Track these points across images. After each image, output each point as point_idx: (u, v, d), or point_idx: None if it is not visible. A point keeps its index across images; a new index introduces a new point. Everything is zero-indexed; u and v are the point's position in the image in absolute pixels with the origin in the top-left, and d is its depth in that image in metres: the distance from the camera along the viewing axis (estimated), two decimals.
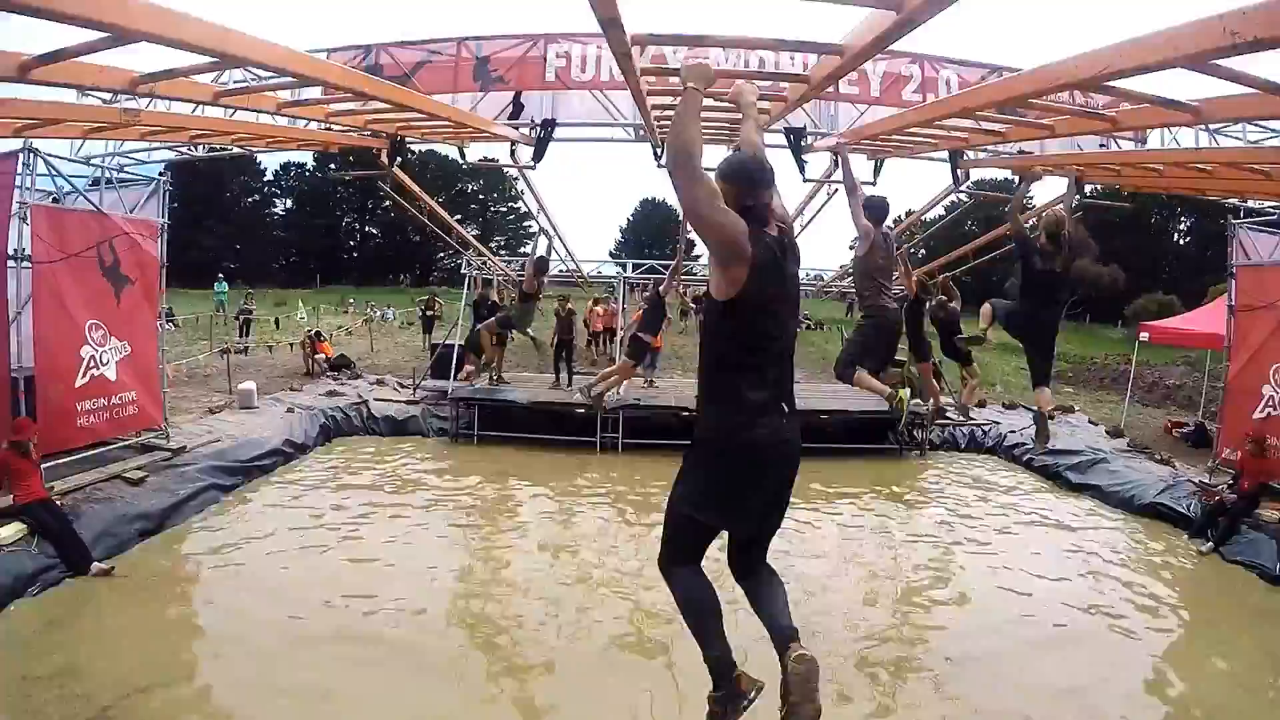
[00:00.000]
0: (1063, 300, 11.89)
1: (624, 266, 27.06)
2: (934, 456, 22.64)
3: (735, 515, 5.41)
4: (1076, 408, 28.01)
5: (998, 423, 24.21)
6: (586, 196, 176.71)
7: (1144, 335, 26.17)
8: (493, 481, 17.89)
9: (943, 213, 29.89)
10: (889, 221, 11.73)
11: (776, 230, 5.28)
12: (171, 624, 10.66)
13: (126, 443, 16.22)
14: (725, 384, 5.25)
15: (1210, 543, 15.40)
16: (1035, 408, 13.24)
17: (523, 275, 21.62)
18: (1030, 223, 12.78)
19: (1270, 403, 17.29)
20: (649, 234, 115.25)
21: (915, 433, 23.18)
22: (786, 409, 5.37)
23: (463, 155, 17.18)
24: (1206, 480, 18.15)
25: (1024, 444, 22.51)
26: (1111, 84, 6.86)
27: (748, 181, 5.21)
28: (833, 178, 15.94)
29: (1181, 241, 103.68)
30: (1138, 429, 24.82)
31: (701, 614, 5.44)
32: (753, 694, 5.27)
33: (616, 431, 21.15)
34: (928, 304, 17.89)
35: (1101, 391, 35.46)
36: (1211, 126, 13.50)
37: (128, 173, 16.66)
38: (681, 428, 19.69)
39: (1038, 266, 11.50)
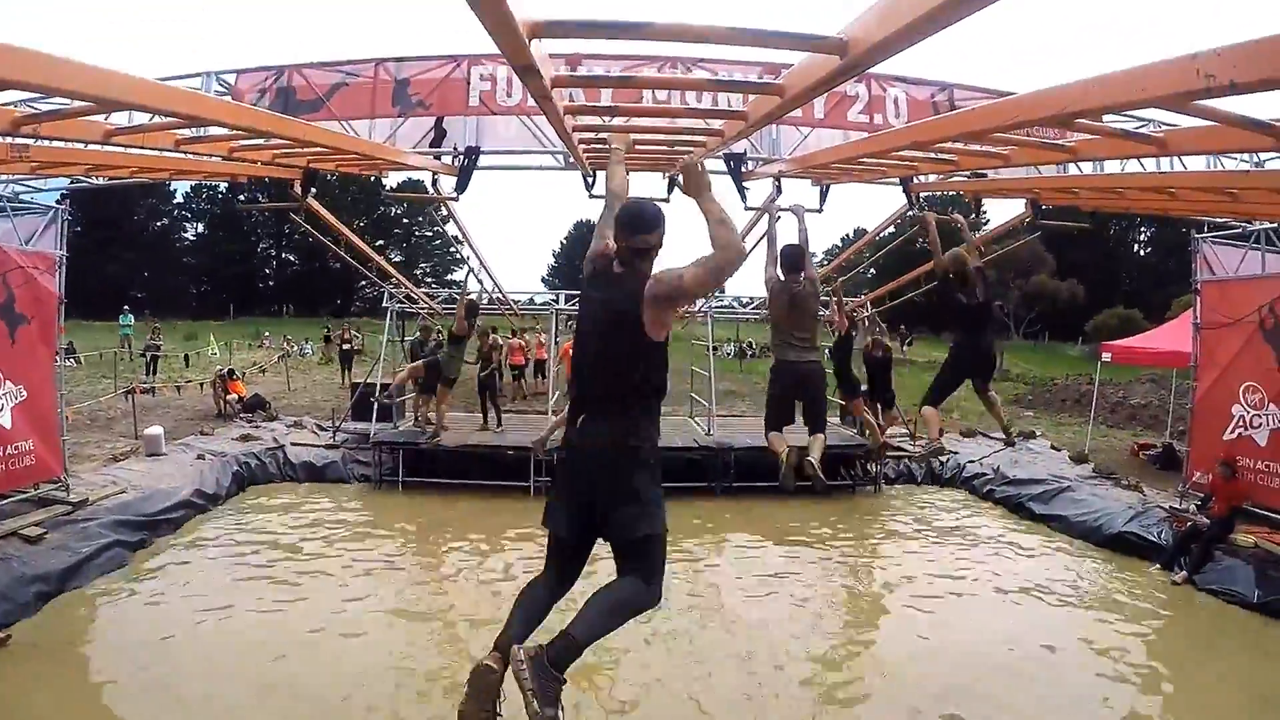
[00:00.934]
0: (992, 327, 12.91)
1: (557, 297, 26.64)
2: (890, 491, 22.67)
3: (555, 519, 6.16)
4: (1038, 432, 28.15)
5: (955, 453, 24.19)
6: (517, 221, 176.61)
7: (1106, 355, 26.23)
8: (412, 540, 17.46)
9: (895, 229, 29.89)
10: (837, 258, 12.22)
11: (627, 273, 6.02)
12: (76, 699, 10.21)
13: (23, 496, 15.77)
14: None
15: (1183, 571, 15.44)
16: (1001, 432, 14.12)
17: (450, 309, 21.42)
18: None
19: (1241, 422, 17.23)
20: (584, 260, 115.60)
21: (869, 468, 23.19)
22: (590, 417, 6.05)
23: (381, 185, 16.99)
24: (1177, 505, 18.21)
25: (984, 475, 22.59)
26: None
27: (620, 228, 6.07)
28: (778, 203, 15.86)
29: (1142, 252, 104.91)
30: (1103, 453, 25.00)
31: (520, 601, 6.07)
32: (480, 664, 5.60)
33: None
34: (854, 339, 18.64)
35: (1063, 414, 35.72)
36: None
37: (22, 201, 16.23)
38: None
39: (962, 302, 12.33)
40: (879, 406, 21.11)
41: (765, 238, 12.12)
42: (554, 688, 5.40)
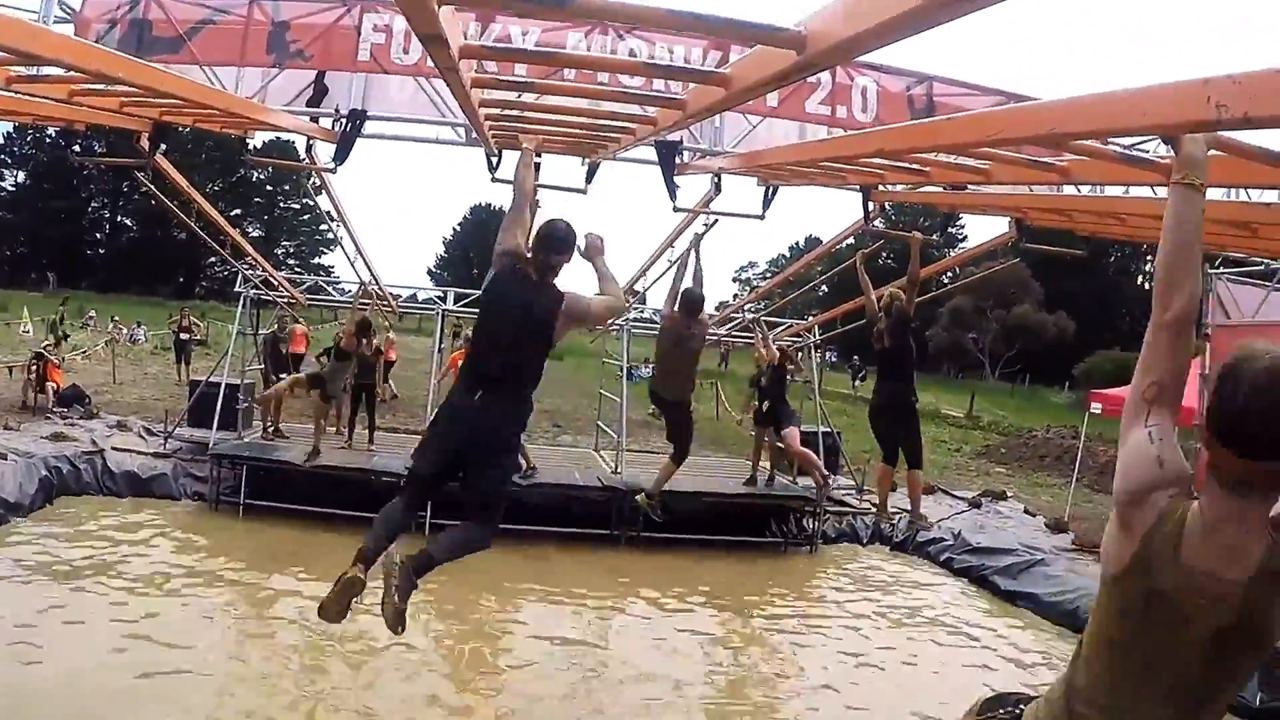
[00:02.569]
0: (908, 374, 14.22)
1: (444, 295, 26.57)
2: (827, 552, 22.70)
3: (427, 461, 8.50)
4: (1010, 493, 28.38)
5: (909, 511, 24.37)
6: (404, 201, 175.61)
7: (1095, 407, 26.34)
8: (246, 582, 16.90)
9: (854, 241, 30.11)
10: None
11: (548, 283, 8.38)
12: None
13: None
14: (462, 371, 8.62)
15: None
16: (907, 508, 16.17)
17: (316, 301, 21.26)
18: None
19: None
20: (480, 250, 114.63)
21: (806, 523, 23.28)
22: (487, 393, 8.20)
23: (244, 146, 16.81)
24: None
25: (942, 539, 22.60)
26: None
27: (540, 245, 8.43)
28: (712, 205, 15.96)
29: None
30: (1086, 521, 24.95)
31: (380, 519, 8.35)
32: (349, 573, 7.93)
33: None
34: (790, 372, 21.09)
35: (1041, 473, 35.91)
36: None
37: None
38: (510, 505, 19.30)
39: (880, 345, 14.08)
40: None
41: (676, 274, 14.74)
42: (409, 588, 8.02)
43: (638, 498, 17.98)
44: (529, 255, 8.50)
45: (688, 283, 15.01)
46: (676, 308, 14.48)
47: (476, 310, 9.27)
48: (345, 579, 7.91)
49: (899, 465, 15.24)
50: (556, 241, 8.42)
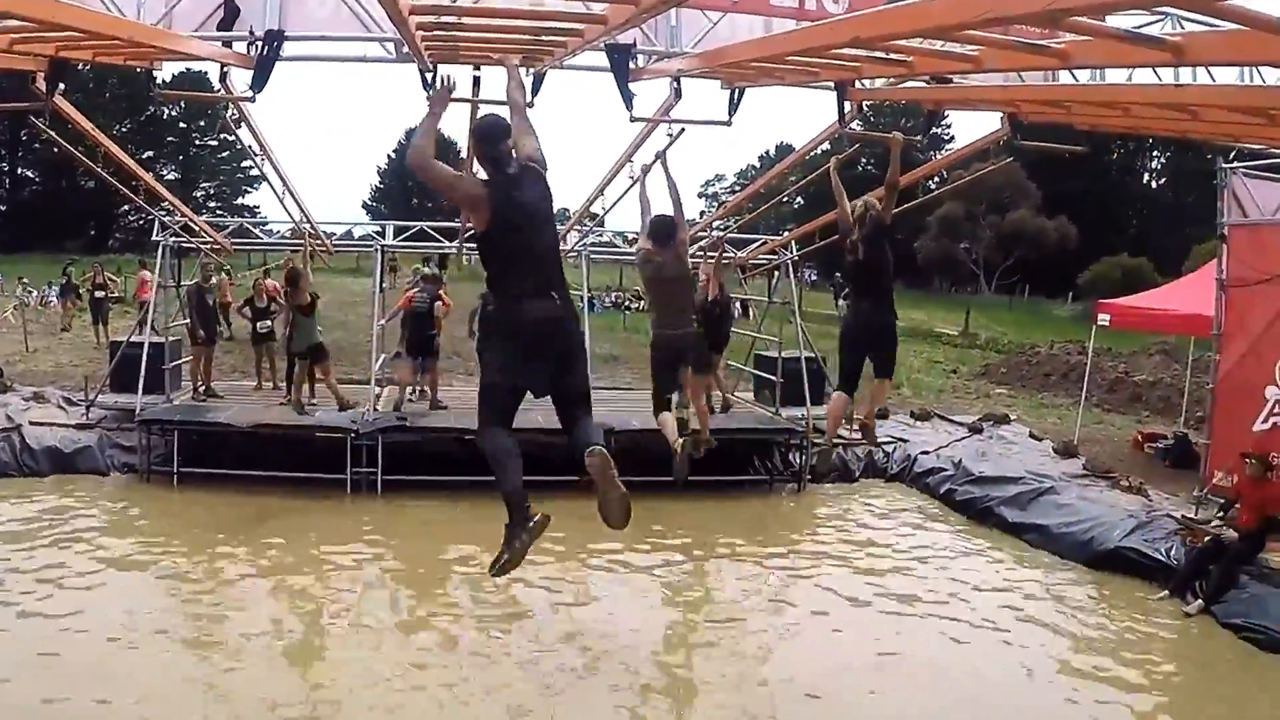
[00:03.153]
0: (886, 290, 13.62)
1: (382, 230, 26.14)
2: (818, 489, 22.71)
3: (511, 373, 8.88)
4: (1013, 416, 28.39)
5: (904, 440, 24.55)
6: (332, 129, 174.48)
7: (1103, 318, 25.76)
8: (188, 553, 16.76)
9: (830, 146, 29.78)
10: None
11: (516, 168, 8.86)
12: None
13: None
14: (496, 285, 8.97)
15: (1198, 600, 15.35)
16: (859, 418, 15.33)
17: (242, 245, 21.08)
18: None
19: (1277, 408, 17.37)
20: (419, 181, 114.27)
21: (792, 458, 23.41)
22: (553, 295, 8.78)
23: (152, 80, 16.47)
24: (1192, 515, 18.13)
25: (942, 470, 22.69)
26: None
27: (481, 140, 9.10)
28: (673, 113, 15.77)
29: (1154, 184, 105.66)
30: (1097, 444, 25.26)
31: (499, 460, 8.79)
32: (538, 516, 8.66)
33: (374, 465, 20.73)
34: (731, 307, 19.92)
35: (1046, 393, 36.00)
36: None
37: None
38: (466, 458, 18.91)
39: (853, 258, 13.56)
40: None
41: (641, 199, 14.59)
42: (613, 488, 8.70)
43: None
44: (483, 164, 9.07)
45: (662, 203, 14.92)
46: (649, 239, 14.23)
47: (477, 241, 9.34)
48: (537, 523, 8.68)
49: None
50: (491, 131, 9.06)
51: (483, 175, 9.16)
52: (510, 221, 8.80)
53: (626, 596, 16.14)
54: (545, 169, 9.09)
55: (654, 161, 14.92)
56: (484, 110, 12.62)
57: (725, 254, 23.48)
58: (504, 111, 9.67)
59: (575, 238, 25.51)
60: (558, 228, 9.78)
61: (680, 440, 14.29)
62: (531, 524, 8.68)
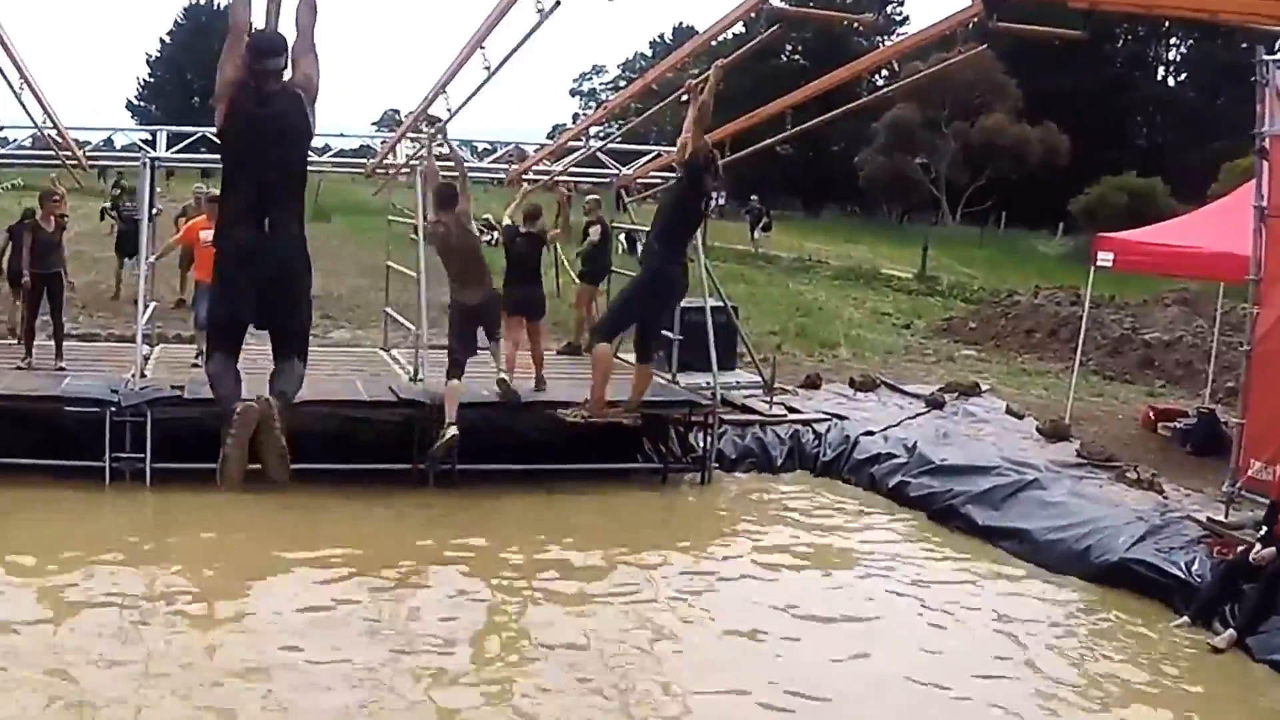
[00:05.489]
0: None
1: (153, 136, 25.37)
2: (728, 482, 22.66)
3: (225, 303, 10.77)
4: (984, 385, 28.48)
5: (841, 418, 24.72)
6: (87, 6, 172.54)
7: (1104, 258, 25.38)
8: None
9: (744, 30, 29.76)
10: None
11: (276, 87, 10.22)
12: None
13: None
14: (220, 202, 11.37)
15: (1230, 630, 15.16)
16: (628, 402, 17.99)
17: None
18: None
19: None
20: (201, 68, 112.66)
21: (694, 440, 23.27)
22: (267, 226, 10.26)
23: None
24: (1220, 518, 18.15)
25: (892, 456, 22.46)
26: None
27: (251, 51, 10.16)
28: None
29: (1171, 81, 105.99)
30: (1095, 424, 25.42)
31: (217, 380, 10.68)
32: (239, 408, 10.16)
33: (140, 449, 20.35)
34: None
35: (1028, 354, 36.13)
36: None
37: None
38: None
39: (703, 189, 15.63)
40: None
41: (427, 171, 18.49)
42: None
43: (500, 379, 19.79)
44: (249, 76, 10.23)
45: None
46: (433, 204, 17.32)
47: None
48: (239, 414, 10.04)
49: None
50: (262, 45, 10.30)
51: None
52: (241, 134, 10.44)
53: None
54: (310, 99, 10.47)
55: (438, 130, 16.20)
56: None
57: (583, 181, 23.87)
58: None
59: (409, 149, 25.31)
60: (304, 165, 11.15)
61: (450, 426, 18.40)
62: (235, 416, 10.12)
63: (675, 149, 14.71)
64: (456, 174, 18.41)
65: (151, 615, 15.41)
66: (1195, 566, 16.67)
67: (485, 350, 20.68)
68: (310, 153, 12.03)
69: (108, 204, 41.37)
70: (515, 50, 15.36)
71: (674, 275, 15.74)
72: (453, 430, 19.27)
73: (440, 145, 20.06)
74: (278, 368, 10.91)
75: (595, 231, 27.47)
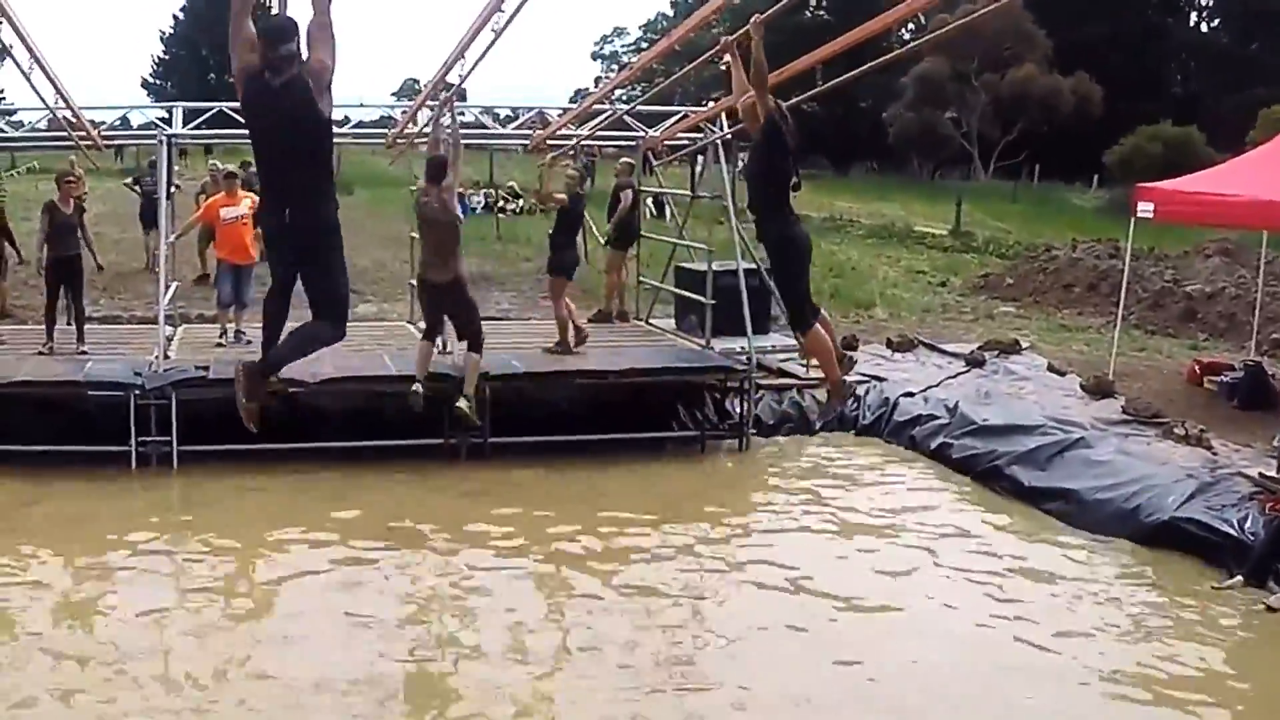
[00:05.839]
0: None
1: (169, 114, 24.86)
2: (768, 446, 22.56)
3: (276, 262, 12.04)
4: (1025, 343, 28.26)
5: (880, 380, 24.62)
6: None
7: (1145, 208, 24.91)
8: None
9: None
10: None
11: (288, 77, 10.57)
12: None
13: None
14: (260, 182, 12.35)
15: None
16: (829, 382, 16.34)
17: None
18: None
19: None
20: (214, 44, 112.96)
21: (731, 405, 23.17)
22: (286, 211, 11.13)
23: None
24: (1271, 474, 18.01)
25: (933, 417, 22.38)
26: None
27: (263, 37, 10.73)
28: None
29: (1204, 27, 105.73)
30: (1140, 379, 25.21)
31: (268, 320, 11.87)
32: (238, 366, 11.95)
33: (165, 432, 20.19)
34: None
35: (1068, 309, 35.91)
36: None
37: None
38: (289, 419, 19.37)
39: (786, 146, 14.74)
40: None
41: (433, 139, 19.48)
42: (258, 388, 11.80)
43: (458, 404, 19.72)
44: (261, 60, 10.78)
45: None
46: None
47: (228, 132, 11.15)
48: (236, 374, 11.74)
49: None
50: (274, 32, 10.83)
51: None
52: (257, 120, 11.22)
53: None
54: (323, 86, 10.83)
55: (445, 103, 16.48)
56: None
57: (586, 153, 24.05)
58: None
59: (427, 117, 24.58)
60: (324, 147, 11.70)
61: (417, 385, 19.69)
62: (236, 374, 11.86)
63: (743, 116, 14.43)
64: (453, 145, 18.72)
65: (180, 601, 15.33)
66: (1248, 524, 16.49)
67: (508, 320, 20.77)
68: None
69: (129, 180, 41.18)
70: (521, 6, 15.13)
71: (803, 235, 15.17)
72: (415, 386, 20.02)
73: (445, 115, 20.06)
74: (308, 323, 11.85)
75: (626, 196, 26.91)
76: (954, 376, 24.41)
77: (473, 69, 19.05)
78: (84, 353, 22.55)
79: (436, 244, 19.75)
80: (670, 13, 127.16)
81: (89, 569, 16.26)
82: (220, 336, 23.66)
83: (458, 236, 20.07)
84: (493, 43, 17.04)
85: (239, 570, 16.39)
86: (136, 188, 37.50)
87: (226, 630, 14.41)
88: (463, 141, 21.26)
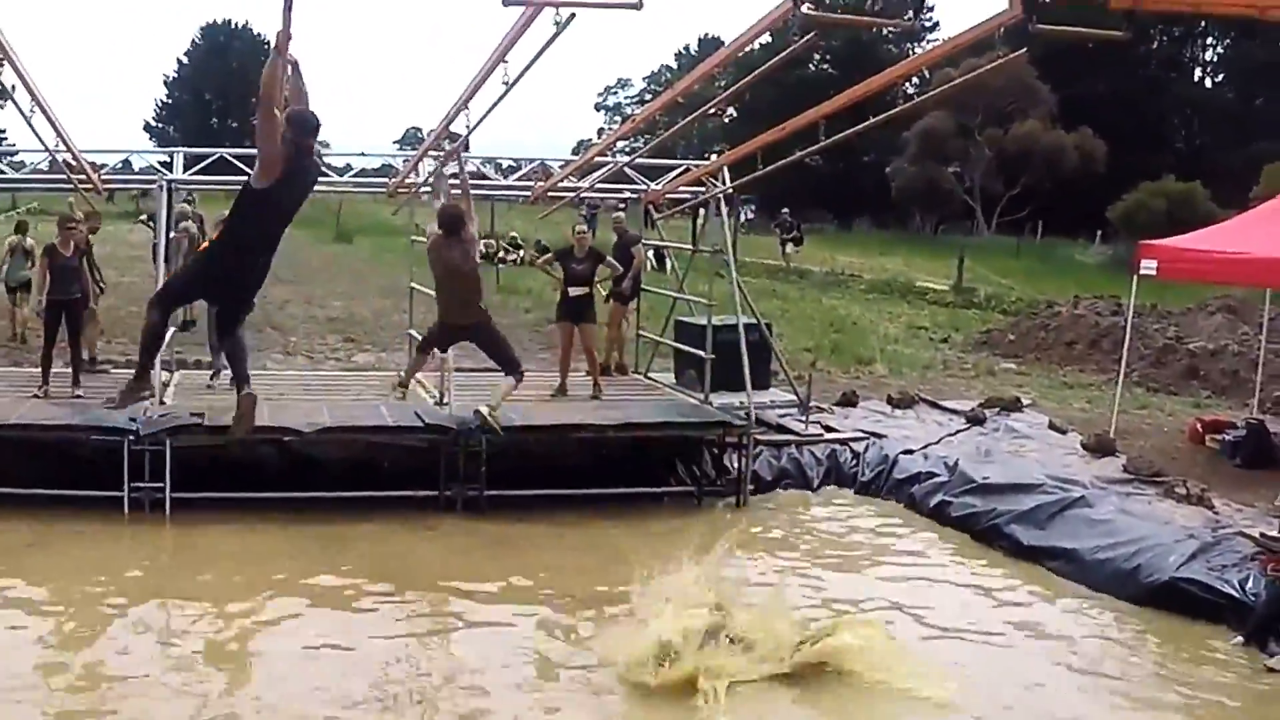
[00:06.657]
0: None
1: (170, 159, 25.22)
2: (764, 503, 22.46)
3: (184, 285, 14.86)
4: (1027, 400, 28.32)
5: (879, 436, 24.54)
6: (103, 29, 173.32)
7: (1148, 265, 24.99)
8: None
9: (771, 40, 29.48)
10: None
11: (314, 160, 12.74)
12: None
13: None
14: (231, 235, 13.30)
15: None
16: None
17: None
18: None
19: None
20: (217, 89, 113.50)
21: (729, 461, 22.98)
22: (257, 259, 13.06)
23: None
24: (1273, 533, 17.83)
25: (933, 475, 22.25)
26: None
27: (296, 126, 12.31)
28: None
29: (1209, 83, 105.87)
30: (1141, 437, 25.24)
31: (148, 339, 13.39)
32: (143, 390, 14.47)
33: (159, 478, 20.12)
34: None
35: (1070, 366, 35.96)
36: None
37: None
38: (287, 468, 19.75)
39: None
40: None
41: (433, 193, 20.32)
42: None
43: (480, 409, 20.21)
44: (285, 144, 12.49)
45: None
46: (439, 227, 19.52)
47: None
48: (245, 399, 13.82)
49: None
50: (306, 125, 12.78)
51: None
52: (282, 198, 12.86)
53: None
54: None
55: (459, 146, 17.10)
56: None
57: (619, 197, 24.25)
58: None
59: (431, 167, 24.57)
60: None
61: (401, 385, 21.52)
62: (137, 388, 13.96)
63: (704, 163, 14.57)
64: (461, 195, 19.09)
65: (171, 647, 15.29)
66: (1249, 585, 16.42)
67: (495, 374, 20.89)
68: (331, 173, 12.18)
69: (144, 216, 44.11)
70: (533, 63, 15.15)
71: None
72: (399, 387, 21.88)
73: (451, 165, 20.42)
74: (237, 345, 13.92)
75: (639, 252, 27.08)
76: (954, 434, 24.40)
77: (480, 121, 19.08)
78: (79, 397, 22.55)
79: (461, 292, 20.45)
80: (675, 65, 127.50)
81: (75, 614, 16.16)
82: (211, 378, 24.04)
83: (480, 283, 21.18)
84: (503, 95, 16.98)
85: (226, 619, 16.15)
86: (150, 223, 37.43)
87: (209, 680, 14.36)
88: (450, 190, 21.41)
